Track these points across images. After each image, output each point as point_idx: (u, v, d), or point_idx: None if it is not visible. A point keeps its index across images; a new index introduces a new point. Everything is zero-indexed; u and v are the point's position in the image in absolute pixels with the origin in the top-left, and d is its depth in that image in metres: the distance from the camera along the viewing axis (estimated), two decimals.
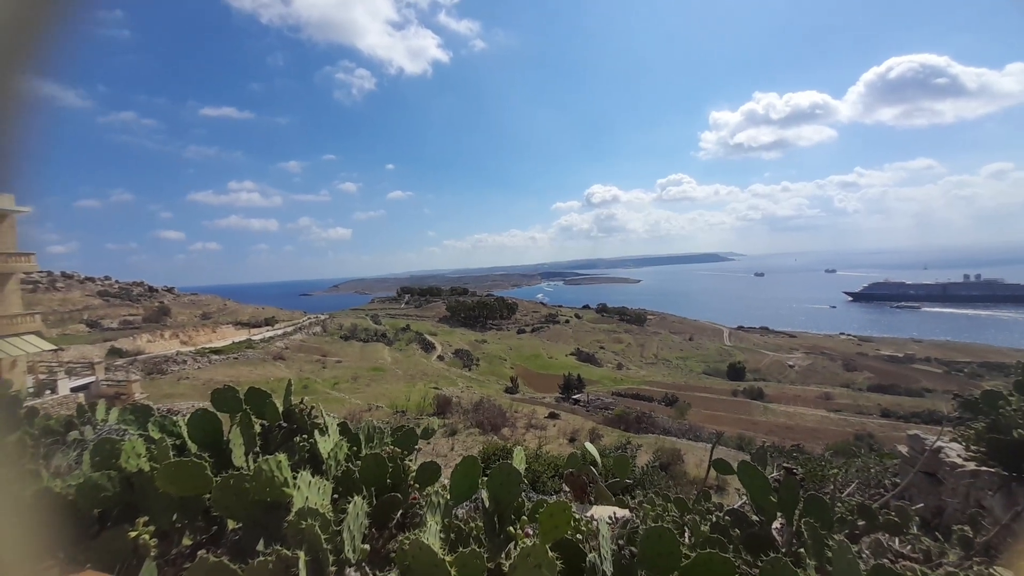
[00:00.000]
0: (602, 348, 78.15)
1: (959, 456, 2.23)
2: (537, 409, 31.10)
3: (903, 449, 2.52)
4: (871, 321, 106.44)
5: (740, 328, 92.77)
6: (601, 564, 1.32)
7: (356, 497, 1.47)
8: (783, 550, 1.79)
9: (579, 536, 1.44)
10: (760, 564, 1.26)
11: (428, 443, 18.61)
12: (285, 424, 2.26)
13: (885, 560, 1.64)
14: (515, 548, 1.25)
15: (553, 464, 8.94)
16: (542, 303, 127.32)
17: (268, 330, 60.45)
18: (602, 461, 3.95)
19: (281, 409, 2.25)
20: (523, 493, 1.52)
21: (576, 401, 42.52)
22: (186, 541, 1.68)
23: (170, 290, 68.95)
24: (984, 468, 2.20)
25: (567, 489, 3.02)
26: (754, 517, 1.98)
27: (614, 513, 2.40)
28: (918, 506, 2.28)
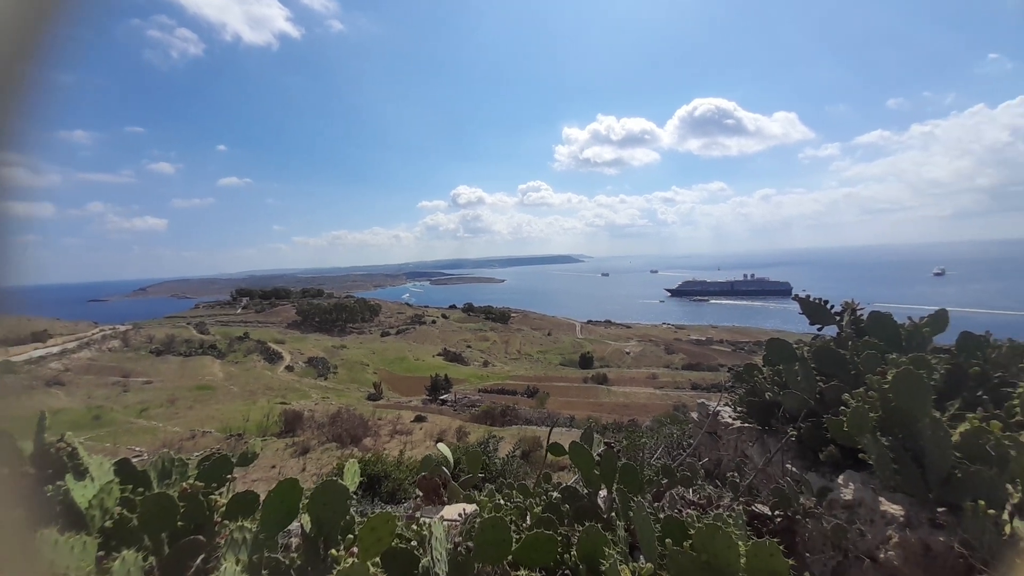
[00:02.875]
0: (469, 347, 79.50)
1: (730, 417, 2.84)
2: (402, 414, 30.05)
3: (694, 415, 3.14)
4: (684, 312, 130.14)
5: (589, 322, 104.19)
6: (434, 567, 1.29)
7: (126, 551, 1.17)
8: (605, 516, 2.01)
9: (413, 543, 1.39)
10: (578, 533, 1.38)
11: (274, 467, 16.40)
12: (33, 471, 1.71)
13: (677, 510, 1.97)
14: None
15: (416, 470, 8.73)
16: (408, 304, 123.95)
17: (37, 347, 46.05)
18: (458, 459, 3.95)
19: (29, 451, 1.70)
20: (353, 509, 1.41)
21: (443, 401, 42.41)
22: None
23: None
24: (746, 424, 2.83)
25: (420, 493, 2.94)
26: (583, 491, 2.20)
27: (463, 510, 2.42)
28: (703, 461, 2.83)
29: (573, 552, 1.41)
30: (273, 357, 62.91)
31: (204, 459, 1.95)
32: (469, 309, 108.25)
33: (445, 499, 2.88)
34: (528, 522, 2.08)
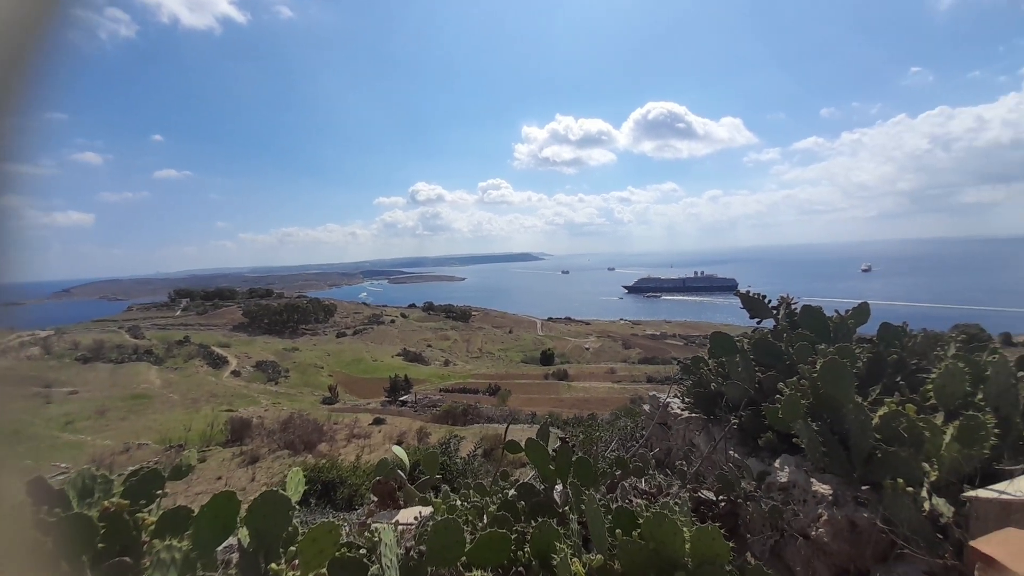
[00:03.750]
0: (429, 346, 78.45)
1: (679, 408, 2.97)
2: (360, 417, 29.19)
3: (647, 407, 3.27)
4: (640, 308, 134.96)
5: (550, 319, 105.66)
6: (384, 574, 1.25)
7: None
8: (560, 511, 2.04)
9: (363, 551, 1.34)
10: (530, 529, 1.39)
11: (219, 478, 15.46)
12: None
13: (627, 500, 2.03)
14: None
15: (372, 474, 8.50)
16: (365, 303, 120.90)
17: None
18: (416, 461, 3.85)
19: None
20: (302, 519, 1.34)
21: (404, 403, 41.60)
22: None
23: None
24: (693, 415, 2.95)
25: (374, 499, 2.86)
26: (540, 487, 2.22)
27: (419, 513, 2.37)
28: (655, 451, 2.93)
29: (527, 549, 1.42)
30: (217, 362, 59.28)
31: (131, 474, 1.79)
32: (429, 308, 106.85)
33: (401, 503, 2.81)
34: (485, 521, 2.08)
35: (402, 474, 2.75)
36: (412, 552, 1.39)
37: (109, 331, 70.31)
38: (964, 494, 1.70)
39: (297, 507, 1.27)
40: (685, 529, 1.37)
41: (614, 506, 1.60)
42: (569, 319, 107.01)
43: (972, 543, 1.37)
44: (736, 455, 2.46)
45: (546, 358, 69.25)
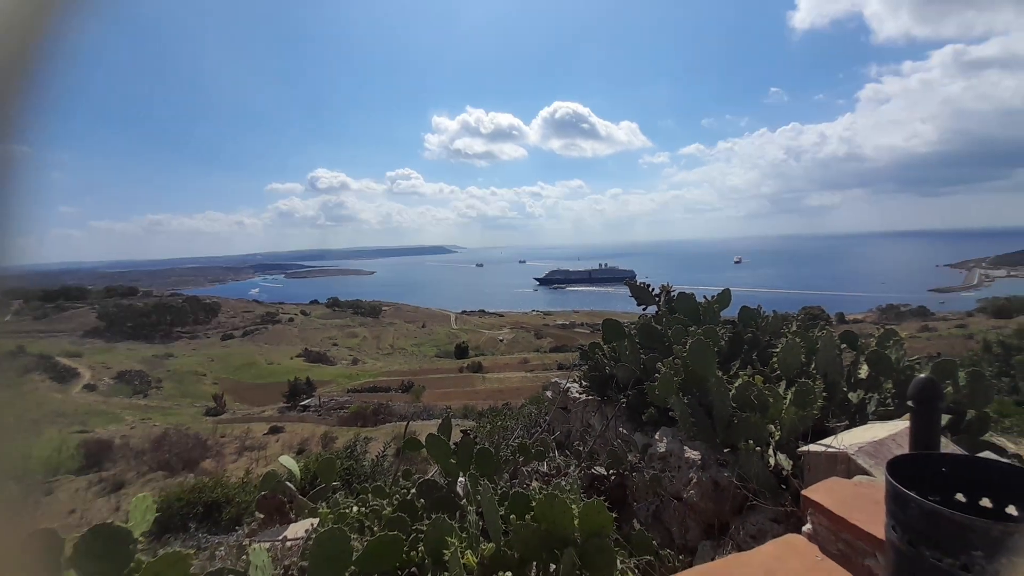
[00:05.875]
0: (335, 345, 73.70)
1: (577, 392, 3.14)
2: (253, 427, 26.47)
3: (548, 393, 3.43)
4: (550, 299, 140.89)
5: (464, 312, 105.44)
6: None
7: None
8: (461, 503, 2.04)
9: None
10: (424, 528, 1.36)
11: (74, 511, 12.95)
12: None
13: (525, 484, 2.09)
14: None
15: (258, 489, 7.73)
16: (257, 301, 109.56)
17: None
18: (317, 469, 3.59)
19: None
20: (139, 552, 1.15)
21: (305, 407, 38.60)
22: None
23: None
24: (590, 397, 3.14)
25: (260, 516, 2.60)
26: (443, 481, 2.19)
27: (311, 525, 2.21)
28: (556, 434, 3.07)
29: (421, 548, 1.38)
30: (64, 375, 49.52)
31: None
32: (335, 304, 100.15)
33: (293, 516, 2.60)
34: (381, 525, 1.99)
35: (291, 486, 2.54)
36: (292, 570, 1.28)
37: None
38: (799, 449, 2.03)
39: (141, 539, 1.08)
40: (574, 506, 1.44)
41: (512, 492, 1.63)
42: (483, 312, 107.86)
43: (804, 492, 1.64)
44: (625, 431, 2.68)
45: (460, 351, 69.06)
